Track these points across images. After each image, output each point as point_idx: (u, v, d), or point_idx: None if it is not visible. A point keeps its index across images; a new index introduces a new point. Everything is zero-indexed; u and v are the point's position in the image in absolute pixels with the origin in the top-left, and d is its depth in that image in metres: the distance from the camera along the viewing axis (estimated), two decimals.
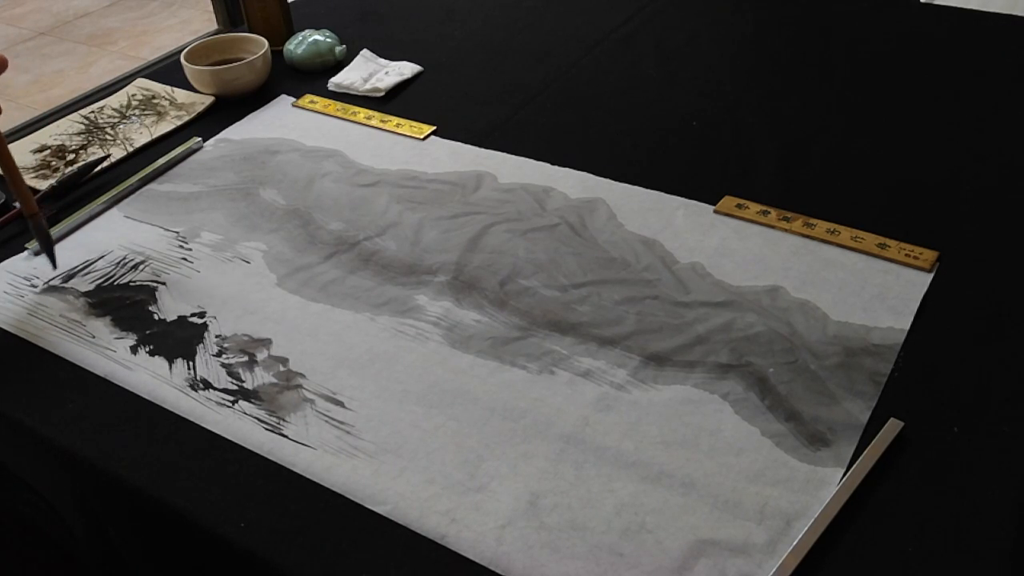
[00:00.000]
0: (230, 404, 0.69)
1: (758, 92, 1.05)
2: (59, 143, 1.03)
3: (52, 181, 0.94)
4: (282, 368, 0.72)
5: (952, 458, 0.62)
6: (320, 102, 1.07)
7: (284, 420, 0.68)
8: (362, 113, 1.05)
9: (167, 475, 0.64)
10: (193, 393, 0.70)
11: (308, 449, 0.65)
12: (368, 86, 1.08)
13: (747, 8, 1.25)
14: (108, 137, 1.03)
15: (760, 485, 0.61)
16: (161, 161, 0.97)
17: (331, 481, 0.63)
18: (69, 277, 0.83)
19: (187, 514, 0.62)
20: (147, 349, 0.75)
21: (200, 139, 1.02)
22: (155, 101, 1.10)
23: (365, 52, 1.15)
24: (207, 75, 1.06)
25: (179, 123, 1.05)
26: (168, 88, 1.12)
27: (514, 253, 0.82)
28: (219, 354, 0.74)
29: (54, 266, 0.81)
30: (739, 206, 0.86)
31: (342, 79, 1.10)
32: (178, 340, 0.76)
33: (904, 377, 0.68)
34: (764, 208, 0.85)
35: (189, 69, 1.07)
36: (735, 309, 0.75)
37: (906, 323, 0.72)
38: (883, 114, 1.00)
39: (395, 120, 1.03)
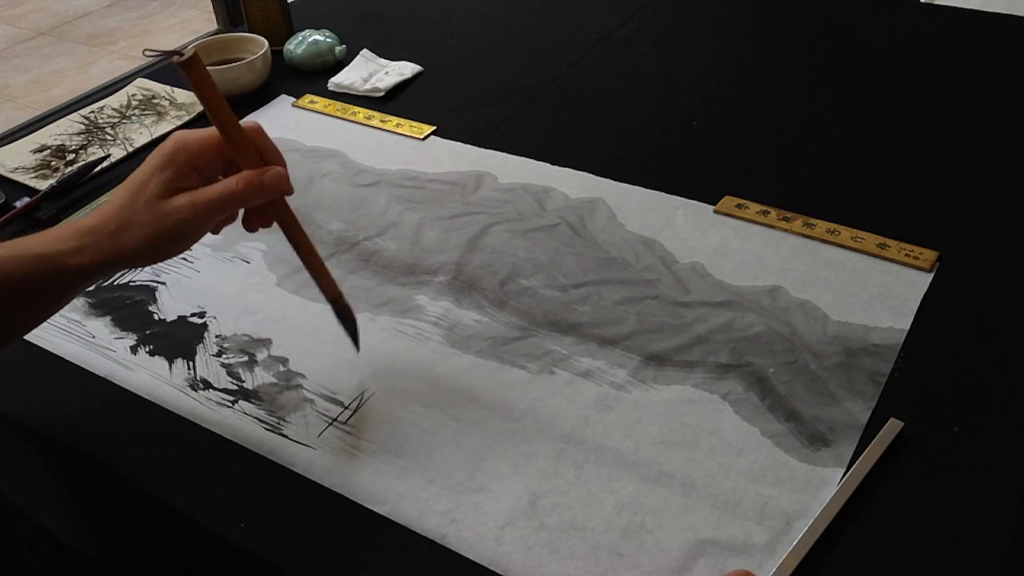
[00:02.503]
0: (230, 404, 0.69)
1: (758, 92, 1.05)
2: (59, 143, 1.03)
3: (52, 181, 0.94)
4: (282, 368, 0.72)
5: (952, 458, 0.62)
6: (320, 102, 1.07)
7: (284, 420, 0.68)
8: (362, 113, 1.05)
9: (167, 475, 0.64)
10: (193, 393, 0.70)
11: (308, 449, 0.65)
12: (368, 86, 1.08)
13: (747, 8, 1.25)
14: (108, 137, 1.03)
15: (760, 485, 0.61)
16: None
17: (331, 481, 0.63)
18: None
19: (187, 514, 0.62)
20: (147, 349, 0.75)
21: None
22: (155, 101, 1.10)
23: (365, 52, 1.15)
24: None
25: (179, 123, 1.05)
26: (168, 88, 1.12)
27: (514, 253, 0.82)
28: (219, 354, 0.74)
29: (357, 349, 0.71)
30: (739, 206, 0.86)
31: (342, 79, 1.10)
32: (178, 340, 0.76)
33: (904, 377, 0.68)
34: (764, 208, 0.85)
35: None
36: (735, 309, 0.75)
37: (906, 323, 0.72)
38: (883, 114, 1.00)
39: (395, 120, 1.03)
